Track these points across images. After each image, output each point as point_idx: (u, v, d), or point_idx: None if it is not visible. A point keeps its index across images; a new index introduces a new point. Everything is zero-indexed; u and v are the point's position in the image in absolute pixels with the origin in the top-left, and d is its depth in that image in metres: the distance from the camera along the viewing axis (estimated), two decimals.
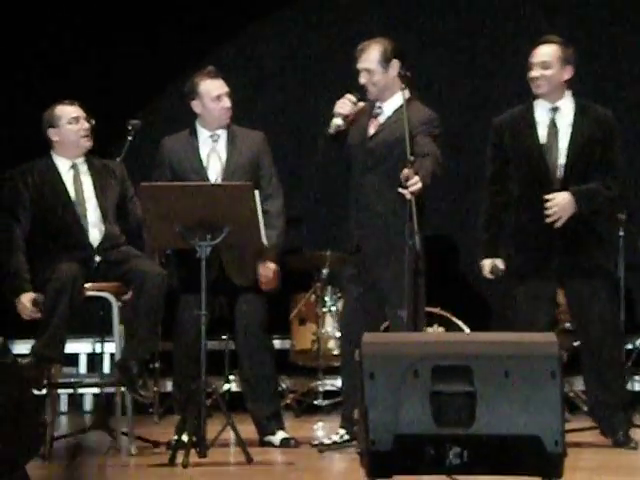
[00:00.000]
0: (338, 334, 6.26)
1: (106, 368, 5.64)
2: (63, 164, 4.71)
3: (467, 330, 6.04)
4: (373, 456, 3.35)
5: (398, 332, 4.35)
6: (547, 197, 4.58)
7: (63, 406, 6.29)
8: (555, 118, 4.67)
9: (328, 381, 6.29)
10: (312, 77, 6.99)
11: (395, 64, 4.60)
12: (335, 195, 6.77)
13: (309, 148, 6.97)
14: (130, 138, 4.90)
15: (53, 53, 6.72)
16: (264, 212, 4.71)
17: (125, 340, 4.56)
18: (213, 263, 4.59)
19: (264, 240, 4.46)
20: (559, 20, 6.57)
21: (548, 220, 4.58)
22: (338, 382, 6.31)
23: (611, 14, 6.74)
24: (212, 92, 4.75)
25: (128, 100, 6.53)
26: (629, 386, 5.91)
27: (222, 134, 4.83)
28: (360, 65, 4.64)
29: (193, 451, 4.21)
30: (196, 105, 4.79)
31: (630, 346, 6.09)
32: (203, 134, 4.82)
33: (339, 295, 6.32)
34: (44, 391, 4.58)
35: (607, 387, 4.69)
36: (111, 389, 5.01)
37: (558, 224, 4.59)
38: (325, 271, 6.28)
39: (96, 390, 5.57)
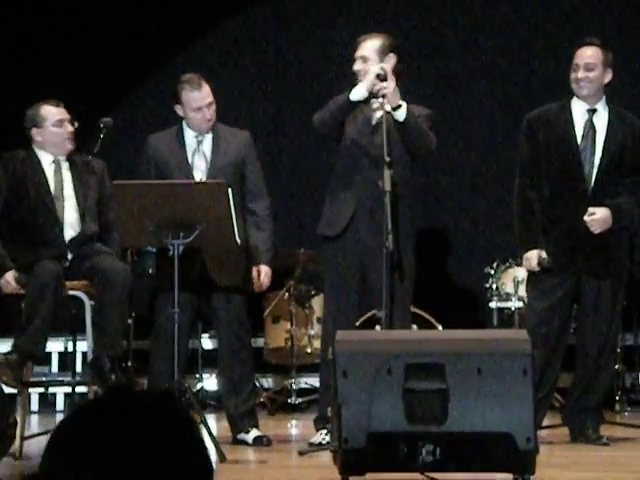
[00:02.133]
0: (312, 332, 6.26)
1: (78, 367, 5.60)
2: (45, 158, 4.72)
3: (440, 328, 6.05)
4: (346, 453, 3.35)
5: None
6: (591, 210, 4.62)
7: (34, 405, 6.24)
8: (593, 119, 4.71)
9: (302, 379, 6.29)
10: (285, 75, 6.98)
11: (391, 58, 4.64)
12: (308, 193, 6.79)
13: (282, 146, 6.97)
14: (102, 136, 4.89)
15: (29, 49, 6.67)
16: (250, 213, 4.73)
17: (94, 338, 4.55)
18: (194, 262, 4.59)
19: (237, 239, 4.45)
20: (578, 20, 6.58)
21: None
22: (312, 380, 6.31)
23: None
24: (192, 103, 4.73)
25: (104, 97, 6.50)
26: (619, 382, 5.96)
27: (207, 135, 4.82)
28: (357, 53, 4.67)
29: None
30: (179, 109, 4.80)
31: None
32: (189, 133, 4.82)
33: (313, 293, 6.32)
34: (16, 390, 4.56)
35: (593, 390, 4.74)
36: (83, 388, 4.98)
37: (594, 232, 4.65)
38: (298, 269, 6.28)
39: (68, 389, 5.53)
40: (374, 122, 4.63)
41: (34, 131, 4.70)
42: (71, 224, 4.68)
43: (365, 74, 4.60)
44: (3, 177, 4.65)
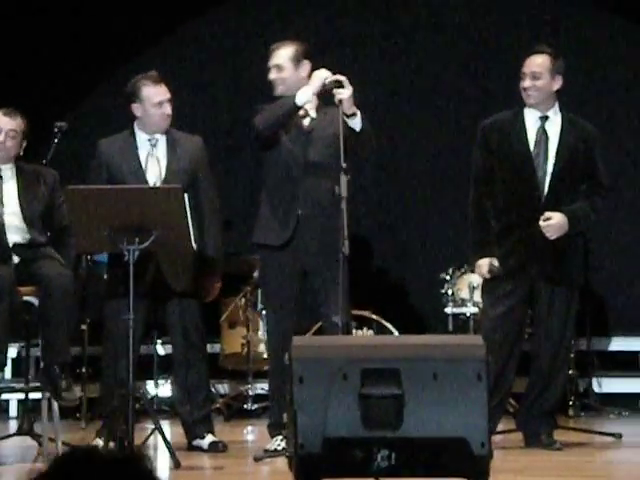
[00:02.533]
0: None
1: (32, 373, 5.54)
2: None
3: (396, 333, 6.07)
4: (301, 459, 3.35)
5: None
6: (547, 215, 4.64)
7: None
8: (545, 126, 4.74)
9: (258, 385, 6.27)
10: (240, 78, 6.98)
11: (306, 65, 4.67)
12: None
13: (238, 150, 6.97)
14: (56, 140, 4.85)
15: None
16: (201, 219, 4.71)
17: (43, 345, 4.51)
18: (148, 268, 4.57)
19: (194, 244, 4.43)
20: (543, 31, 6.64)
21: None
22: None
23: (593, 25, 6.83)
24: (154, 98, 4.73)
25: (57, 102, 6.45)
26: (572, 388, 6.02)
27: (161, 138, 4.81)
28: (271, 62, 4.71)
29: None
30: (136, 108, 4.77)
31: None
32: (141, 137, 4.79)
33: None
34: None
35: (547, 395, 4.78)
36: (37, 394, 4.93)
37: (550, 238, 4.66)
38: (255, 274, 6.27)
39: (21, 396, 5.48)
40: (305, 129, 4.65)
41: None
42: (15, 229, 4.65)
43: (281, 83, 4.64)
44: None
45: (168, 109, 4.75)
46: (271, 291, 4.73)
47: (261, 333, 6.27)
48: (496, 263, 4.73)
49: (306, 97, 4.56)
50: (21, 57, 6.68)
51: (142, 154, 4.78)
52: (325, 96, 4.63)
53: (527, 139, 4.75)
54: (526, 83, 4.73)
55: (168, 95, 4.77)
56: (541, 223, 4.66)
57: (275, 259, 4.67)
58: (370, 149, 4.67)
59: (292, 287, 4.64)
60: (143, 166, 4.76)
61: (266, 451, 4.53)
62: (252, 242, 4.80)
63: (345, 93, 4.48)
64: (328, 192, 4.48)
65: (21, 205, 4.66)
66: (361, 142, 4.58)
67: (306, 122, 4.69)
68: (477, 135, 4.85)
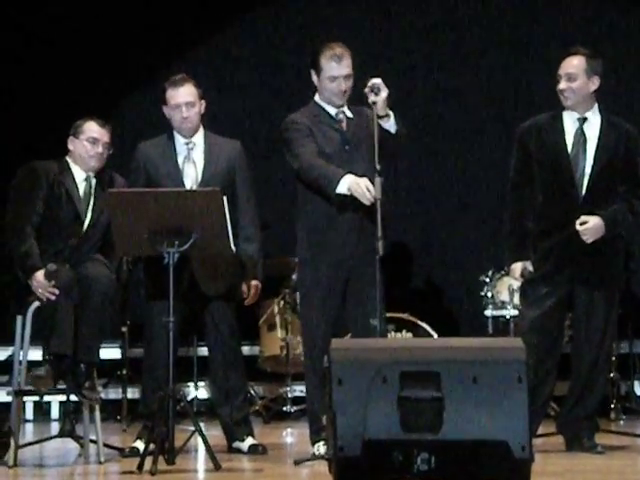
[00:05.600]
0: None
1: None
2: (79, 174, 4.75)
3: (435, 335, 6.06)
4: (341, 462, 3.35)
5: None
6: (583, 219, 4.61)
7: (29, 414, 6.23)
8: (583, 128, 4.71)
9: (297, 387, 6.29)
10: (280, 82, 7.00)
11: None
12: None
13: (276, 153, 6.98)
14: None
15: (26, 56, 6.69)
16: (239, 224, 4.73)
17: (73, 343, 4.55)
18: (183, 272, 4.59)
19: (232, 247, 4.45)
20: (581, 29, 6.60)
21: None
22: None
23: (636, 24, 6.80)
24: (171, 100, 4.76)
25: (96, 106, 6.51)
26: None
27: (198, 142, 4.83)
28: (346, 71, 4.61)
29: (161, 458, 4.19)
30: (165, 110, 4.81)
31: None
32: (179, 140, 4.82)
33: None
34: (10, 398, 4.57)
35: (588, 398, 4.74)
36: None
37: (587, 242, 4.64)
38: (294, 277, 6.28)
39: (63, 397, 5.53)
40: (345, 134, 4.65)
41: (70, 139, 4.78)
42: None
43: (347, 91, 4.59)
44: (44, 185, 4.67)
45: (184, 112, 4.73)
46: (315, 292, 4.62)
47: (299, 336, 6.28)
48: (530, 267, 4.72)
49: (343, 191, 4.46)
50: (64, 62, 6.75)
51: (180, 157, 4.81)
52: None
53: (565, 141, 4.71)
54: (562, 85, 4.70)
55: (187, 99, 4.73)
56: (578, 227, 4.63)
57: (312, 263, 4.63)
58: (401, 150, 4.66)
59: (325, 291, 4.59)
60: (180, 169, 4.79)
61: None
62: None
63: (381, 96, 4.48)
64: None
65: (93, 213, 4.72)
66: (397, 144, 4.57)
67: (344, 124, 4.65)
68: (515, 138, 4.83)
